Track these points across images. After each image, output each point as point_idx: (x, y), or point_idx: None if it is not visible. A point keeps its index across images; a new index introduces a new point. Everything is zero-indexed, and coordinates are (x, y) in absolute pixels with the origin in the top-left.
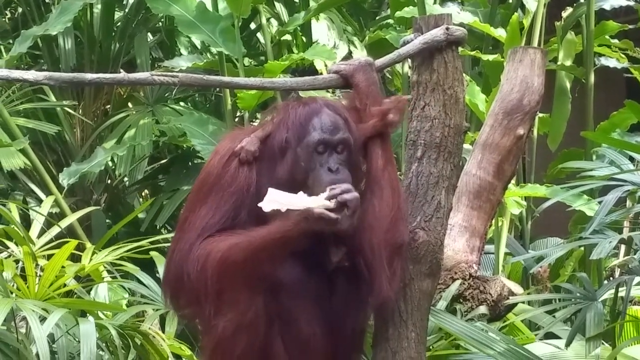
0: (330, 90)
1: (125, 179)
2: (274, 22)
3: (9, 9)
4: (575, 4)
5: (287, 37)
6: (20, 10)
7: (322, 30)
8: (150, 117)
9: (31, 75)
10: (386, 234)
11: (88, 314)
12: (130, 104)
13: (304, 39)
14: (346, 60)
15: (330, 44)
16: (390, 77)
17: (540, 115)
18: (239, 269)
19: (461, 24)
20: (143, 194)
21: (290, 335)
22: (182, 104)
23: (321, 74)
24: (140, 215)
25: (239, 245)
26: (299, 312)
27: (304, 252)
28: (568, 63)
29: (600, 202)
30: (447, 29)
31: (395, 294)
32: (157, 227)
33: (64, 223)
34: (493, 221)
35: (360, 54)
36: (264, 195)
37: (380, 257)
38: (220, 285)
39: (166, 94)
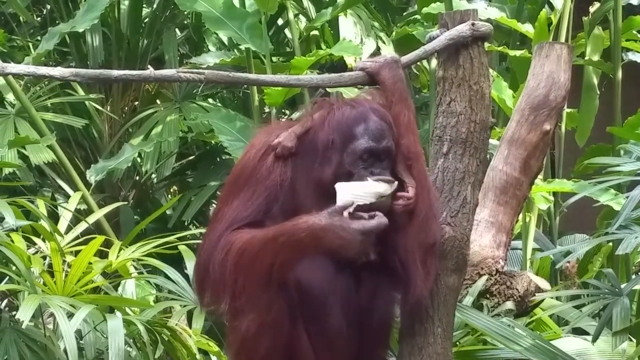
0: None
1: (153, 175)
2: (301, 18)
3: (37, 6)
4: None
5: (315, 32)
6: (48, 7)
7: (349, 26)
8: (177, 113)
9: (58, 71)
10: (419, 234)
11: (116, 310)
12: (158, 101)
13: (332, 33)
14: (374, 56)
15: (357, 40)
16: (417, 73)
17: (568, 110)
18: (255, 260)
19: (488, 20)
20: (171, 190)
21: (317, 331)
22: (209, 100)
23: (350, 69)
24: (168, 212)
25: (257, 236)
26: (325, 309)
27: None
28: (595, 58)
29: (627, 197)
30: (473, 24)
31: (428, 292)
32: (185, 223)
33: (92, 219)
34: (520, 217)
35: (388, 50)
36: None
37: (414, 257)
38: (237, 275)
39: (194, 91)
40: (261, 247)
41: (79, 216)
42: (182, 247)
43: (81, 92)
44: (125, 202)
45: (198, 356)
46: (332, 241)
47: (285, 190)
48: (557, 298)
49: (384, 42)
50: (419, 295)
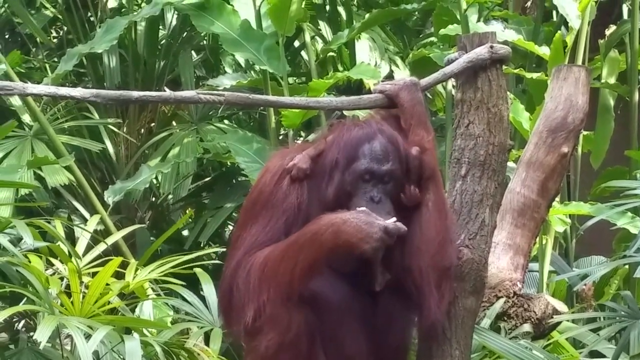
0: None
1: (170, 196)
2: (317, 40)
3: (54, 27)
4: (619, 22)
5: (332, 54)
6: (65, 28)
7: (364, 49)
8: (194, 135)
9: (78, 92)
10: (434, 257)
11: (133, 331)
12: (174, 122)
13: (349, 54)
14: (388, 79)
15: (372, 63)
16: (431, 97)
17: (585, 133)
18: (278, 268)
19: (505, 42)
20: (187, 211)
21: (334, 353)
22: (226, 122)
23: (368, 91)
24: (185, 233)
25: (279, 246)
26: (343, 329)
27: (347, 269)
28: (612, 81)
29: None
30: (492, 47)
31: (443, 315)
32: (201, 245)
33: (110, 240)
34: (537, 239)
35: (402, 73)
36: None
37: (428, 280)
38: (261, 289)
39: (210, 112)
40: (283, 253)
41: (97, 237)
42: (197, 270)
43: (96, 115)
44: (142, 224)
45: None
46: (353, 234)
47: (302, 213)
48: (574, 321)
49: (397, 66)
50: (433, 319)
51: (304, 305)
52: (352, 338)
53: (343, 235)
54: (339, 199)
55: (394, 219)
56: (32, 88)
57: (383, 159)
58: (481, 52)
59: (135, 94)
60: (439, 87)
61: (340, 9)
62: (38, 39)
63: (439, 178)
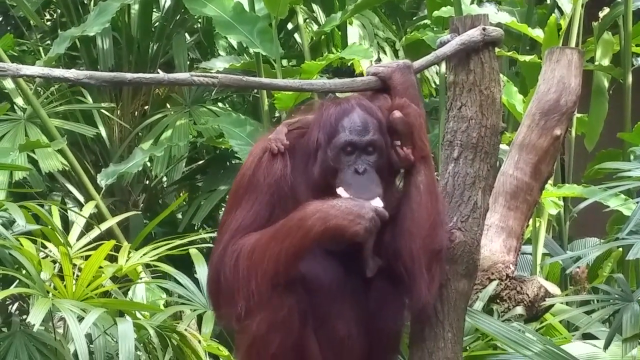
0: None
1: (164, 179)
2: (311, 22)
3: (47, 10)
4: (612, 4)
5: (324, 37)
6: (58, 11)
7: (355, 34)
8: (187, 117)
9: (72, 74)
10: (425, 240)
11: (126, 314)
12: (168, 105)
13: (341, 36)
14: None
15: None
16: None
17: (578, 115)
18: (265, 253)
19: (498, 24)
20: (181, 194)
21: (326, 335)
22: (219, 104)
23: (360, 74)
24: (179, 216)
25: (266, 231)
26: (334, 312)
27: (340, 253)
28: (605, 63)
29: (637, 203)
30: (484, 29)
31: (434, 298)
32: (195, 228)
33: (104, 226)
34: (530, 222)
35: (388, 60)
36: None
37: (419, 263)
38: (250, 275)
39: (204, 95)
40: (270, 240)
41: (91, 221)
42: (192, 251)
43: (90, 99)
44: (136, 209)
45: None
46: (343, 217)
47: (286, 192)
48: (567, 303)
49: (385, 53)
50: (424, 302)
51: (296, 286)
52: (343, 320)
53: (333, 220)
54: (325, 177)
55: (381, 203)
56: (25, 69)
57: (363, 130)
58: (473, 34)
59: (129, 75)
60: (427, 73)
61: None
62: (31, 22)
63: (430, 160)
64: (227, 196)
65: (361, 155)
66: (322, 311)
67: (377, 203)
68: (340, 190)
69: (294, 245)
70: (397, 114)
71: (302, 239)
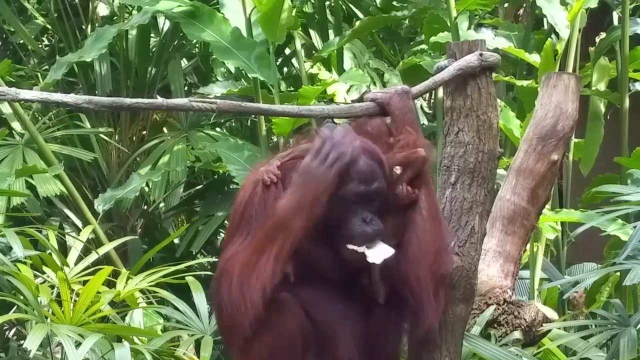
0: None
1: (162, 204)
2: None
3: (45, 35)
4: (609, 29)
5: (314, 70)
6: (56, 37)
7: (346, 63)
8: (184, 142)
9: (71, 98)
10: (431, 267)
11: (123, 339)
12: (165, 130)
13: (337, 63)
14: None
15: None
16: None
17: (576, 140)
18: (254, 267)
19: (495, 50)
20: (179, 219)
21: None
22: (217, 130)
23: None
24: (176, 241)
25: (248, 247)
26: (336, 338)
27: (340, 280)
28: (602, 88)
29: (634, 227)
30: (481, 54)
31: (437, 322)
32: (193, 253)
33: (102, 250)
34: (528, 246)
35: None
36: None
37: (427, 289)
38: (244, 296)
39: (201, 120)
40: (255, 251)
41: (88, 246)
42: (189, 279)
43: (88, 124)
44: (134, 234)
45: None
46: (314, 187)
47: None
48: (565, 328)
49: (374, 83)
50: (430, 326)
51: (298, 310)
52: (343, 346)
53: (304, 197)
54: (328, 220)
55: (391, 250)
56: (24, 93)
57: (371, 179)
58: (471, 59)
59: (128, 100)
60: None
61: (331, 17)
62: (30, 47)
63: (431, 184)
64: (227, 222)
65: (367, 204)
66: (323, 337)
67: (388, 253)
68: (350, 247)
69: (279, 245)
70: (421, 152)
71: (285, 234)
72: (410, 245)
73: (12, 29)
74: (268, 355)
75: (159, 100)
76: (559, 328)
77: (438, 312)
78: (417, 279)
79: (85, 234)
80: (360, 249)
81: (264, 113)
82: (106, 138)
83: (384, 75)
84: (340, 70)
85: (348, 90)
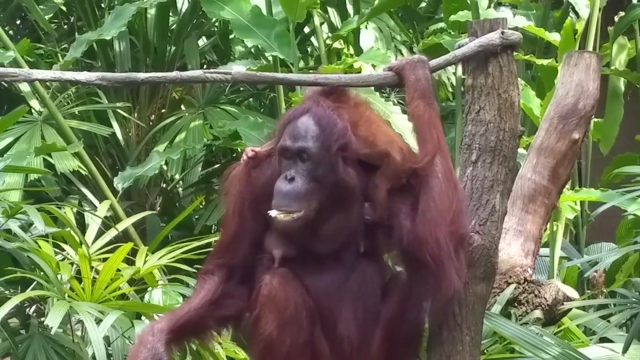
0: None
1: (180, 183)
2: (325, 27)
3: (64, 14)
4: (628, 8)
5: (337, 45)
6: (75, 15)
7: (370, 38)
8: (201, 119)
9: (84, 76)
10: (451, 227)
11: (143, 317)
12: (183, 107)
13: (354, 43)
14: None
15: None
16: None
17: (595, 120)
18: None
19: (515, 28)
20: (197, 198)
21: (337, 338)
22: (234, 107)
23: None
24: (195, 219)
25: None
26: (344, 315)
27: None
28: (621, 67)
29: None
30: (503, 32)
31: (462, 287)
32: (211, 230)
33: (121, 227)
34: (548, 225)
35: None
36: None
37: (447, 249)
38: None
39: (219, 97)
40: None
41: (108, 222)
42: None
43: (106, 101)
44: (153, 211)
45: None
46: None
47: (257, 192)
48: (584, 308)
49: (402, 56)
50: (455, 289)
51: (299, 286)
52: (351, 323)
53: None
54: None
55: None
56: (37, 73)
57: (299, 137)
58: (493, 37)
59: (142, 75)
60: (444, 77)
61: None
62: (45, 28)
63: (446, 149)
64: None
65: (296, 162)
66: (330, 314)
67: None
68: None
69: None
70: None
71: None
72: (427, 208)
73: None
74: (275, 332)
75: (174, 73)
76: (579, 308)
77: (461, 273)
78: (436, 241)
79: (103, 208)
80: (272, 213)
81: (279, 82)
82: (125, 114)
83: (412, 47)
84: (358, 50)
85: (375, 66)
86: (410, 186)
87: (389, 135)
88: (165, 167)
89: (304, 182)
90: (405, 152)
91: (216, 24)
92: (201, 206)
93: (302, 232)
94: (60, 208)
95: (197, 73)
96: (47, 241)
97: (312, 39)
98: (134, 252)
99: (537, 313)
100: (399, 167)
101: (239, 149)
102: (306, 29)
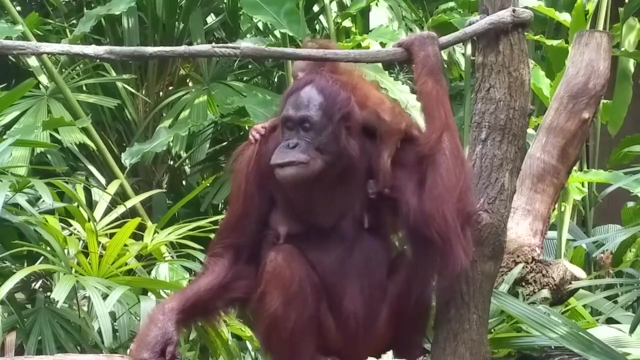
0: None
1: (187, 160)
2: (334, 6)
3: None
4: None
5: (347, 23)
6: None
7: (382, 16)
8: (206, 94)
9: (91, 50)
10: (458, 204)
11: (149, 293)
12: (190, 83)
13: (362, 22)
14: None
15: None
16: (447, 66)
17: (604, 101)
18: None
19: (525, 8)
20: (204, 175)
21: (342, 314)
22: (240, 82)
23: None
24: (201, 197)
25: None
26: (350, 291)
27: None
28: (631, 48)
29: None
30: (514, 10)
31: (469, 263)
32: (219, 209)
33: (129, 204)
34: (556, 206)
35: None
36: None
37: (454, 226)
38: None
39: (224, 72)
40: None
41: (115, 199)
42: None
43: (114, 73)
44: (160, 188)
45: (231, 341)
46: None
47: (264, 170)
48: (591, 289)
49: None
50: (462, 265)
51: (304, 262)
52: (360, 300)
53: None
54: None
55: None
56: (45, 47)
57: (302, 106)
58: (504, 15)
59: (150, 49)
60: (457, 55)
61: None
62: (55, 2)
63: (454, 126)
64: None
65: (299, 131)
66: (336, 292)
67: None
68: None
69: None
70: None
71: None
72: (434, 185)
73: None
74: (281, 308)
75: (182, 47)
76: (585, 289)
77: (468, 250)
78: (444, 217)
79: (113, 187)
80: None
81: (287, 57)
82: (133, 90)
83: (423, 26)
84: (367, 29)
85: (384, 44)
86: (417, 163)
87: (379, 97)
88: (171, 144)
89: (305, 151)
90: (396, 113)
91: (225, 1)
92: (208, 184)
93: (303, 189)
94: (67, 183)
95: (205, 47)
96: (54, 216)
97: (321, 17)
98: (141, 228)
99: (545, 292)
100: (390, 127)
101: (247, 127)
102: (315, 7)
